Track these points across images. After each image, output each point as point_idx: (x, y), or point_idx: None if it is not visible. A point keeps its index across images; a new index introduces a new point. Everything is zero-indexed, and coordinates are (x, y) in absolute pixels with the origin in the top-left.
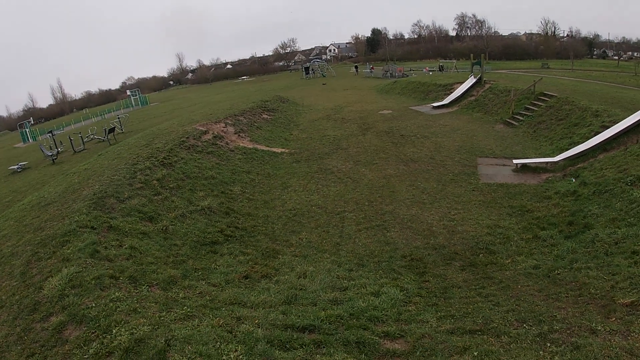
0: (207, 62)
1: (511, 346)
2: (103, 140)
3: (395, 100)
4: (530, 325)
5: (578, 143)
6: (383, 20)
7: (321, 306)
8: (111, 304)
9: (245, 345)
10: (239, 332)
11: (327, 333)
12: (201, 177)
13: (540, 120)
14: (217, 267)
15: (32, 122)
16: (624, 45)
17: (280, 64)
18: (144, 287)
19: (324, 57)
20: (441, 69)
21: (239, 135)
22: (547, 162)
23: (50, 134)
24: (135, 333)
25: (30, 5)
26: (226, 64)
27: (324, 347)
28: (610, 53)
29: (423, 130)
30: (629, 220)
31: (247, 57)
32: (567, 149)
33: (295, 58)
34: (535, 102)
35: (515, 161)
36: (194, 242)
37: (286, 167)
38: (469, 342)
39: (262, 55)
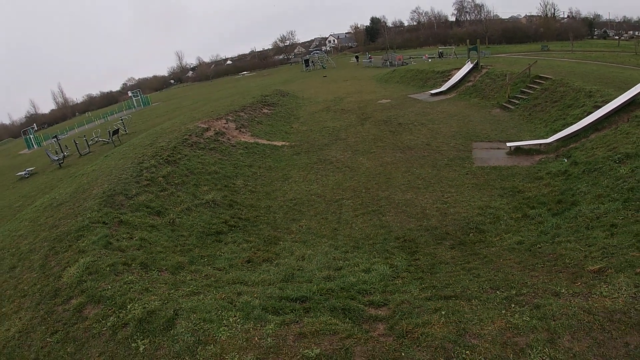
0: (206, 59)
1: (478, 307)
2: (108, 142)
3: (394, 88)
4: (502, 291)
5: (571, 124)
6: (382, 8)
7: (315, 282)
8: (125, 286)
9: (243, 312)
10: (239, 302)
11: (317, 302)
12: (205, 173)
13: (535, 103)
14: (222, 254)
15: (36, 128)
16: (625, 25)
17: (280, 57)
18: (154, 272)
19: (323, 48)
20: (441, 55)
21: (240, 130)
22: (540, 144)
23: (55, 139)
24: (147, 307)
25: (27, 11)
26: (226, 60)
27: (312, 312)
28: (611, 33)
29: (420, 117)
30: (612, 195)
31: (247, 52)
32: (560, 130)
33: (295, 51)
34: (530, 85)
35: (508, 144)
36: (200, 233)
37: (287, 159)
38: (441, 305)
39: (261, 50)
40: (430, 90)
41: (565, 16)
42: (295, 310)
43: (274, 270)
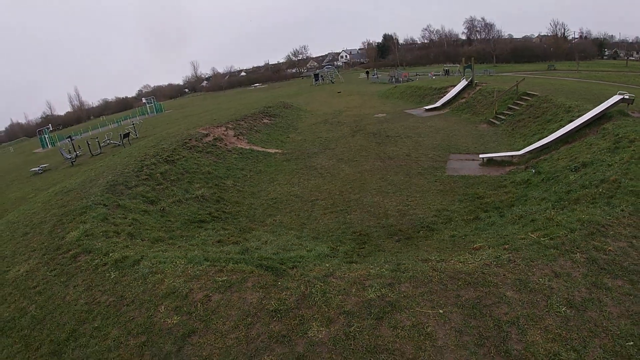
0: (221, 70)
1: (370, 269)
2: (118, 145)
3: (392, 104)
4: (392, 263)
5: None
6: (395, 25)
7: (261, 254)
8: (112, 244)
9: (188, 259)
10: (189, 255)
11: (249, 261)
12: (199, 172)
13: (520, 118)
14: (199, 236)
15: (51, 129)
16: (637, 45)
17: (293, 70)
18: (137, 240)
19: (335, 63)
20: (447, 73)
21: (237, 137)
22: (512, 156)
23: (69, 139)
24: (123, 254)
25: (46, 13)
26: (240, 71)
27: (241, 264)
28: (621, 53)
29: (409, 131)
30: (549, 198)
31: (261, 65)
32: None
33: (308, 65)
34: (517, 101)
35: (481, 155)
36: (185, 220)
37: (277, 164)
38: (338, 266)
39: (275, 63)
40: (426, 106)
41: (577, 37)
42: (227, 261)
43: (235, 248)
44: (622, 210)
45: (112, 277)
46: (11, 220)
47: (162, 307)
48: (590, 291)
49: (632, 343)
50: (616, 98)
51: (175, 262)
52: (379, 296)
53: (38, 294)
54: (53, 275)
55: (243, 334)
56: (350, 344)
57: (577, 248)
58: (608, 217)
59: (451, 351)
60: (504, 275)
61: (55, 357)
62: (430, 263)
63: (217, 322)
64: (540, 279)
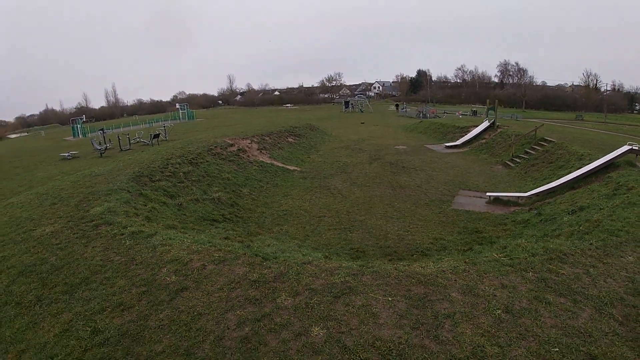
0: (256, 87)
1: (343, 264)
2: (147, 144)
3: (415, 138)
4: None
5: None
6: (429, 62)
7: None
8: (131, 222)
9: (194, 239)
10: (196, 237)
11: (246, 250)
12: (219, 177)
13: (534, 162)
14: (209, 231)
15: (84, 120)
16: None
17: (325, 96)
18: (153, 223)
19: (368, 93)
20: (474, 113)
21: (260, 151)
22: (518, 197)
23: (101, 131)
24: (139, 229)
25: (93, 16)
26: (274, 90)
27: (240, 251)
28: None
29: (425, 165)
30: (537, 234)
31: (295, 86)
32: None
33: (340, 92)
34: (535, 146)
35: (488, 194)
36: (199, 217)
37: (293, 181)
38: (325, 260)
39: (309, 86)
40: (447, 142)
41: (608, 88)
42: (227, 246)
43: (240, 245)
44: (591, 244)
45: (127, 244)
46: (40, 192)
47: (165, 269)
48: (530, 302)
49: (557, 349)
50: (624, 148)
51: (183, 240)
52: (342, 281)
53: (59, 249)
54: (75, 237)
55: (225, 294)
56: (308, 312)
57: (532, 268)
58: (573, 248)
59: (388, 329)
60: (455, 280)
61: (67, 295)
62: (395, 265)
63: (206, 284)
64: (487, 287)
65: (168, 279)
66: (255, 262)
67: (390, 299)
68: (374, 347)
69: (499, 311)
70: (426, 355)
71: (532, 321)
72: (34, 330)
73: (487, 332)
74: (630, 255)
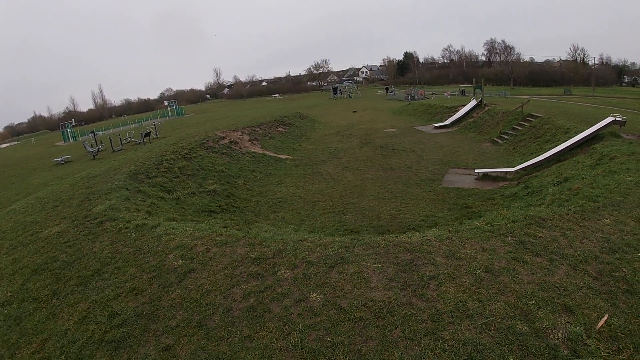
0: (243, 79)
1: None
2: (139, 143)
3: (404, 120)
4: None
5: None
6: (416, 44)
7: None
8: (133, 216)
9: (196, 227)
10: (197, 225)
11: (245, 235)
12: (213, 170)
13: (522, 138)
14: (208, 222)
15: (74, 124)
16: None
17: (313, 83)
18: (154, 217)
19: (355, 78)
20: (463, 93)
21: (252, 142)
22: (506, 172)
23: (92, 134)
24: (143, 222)
25: (76, 14)
26: (262, 81)
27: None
28: None
29: (414, 146)
30: (522, 206)
31: (283, 76)
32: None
33: (328, 79)
34: (522, 122)
35: (477, 170)
36: (197, 209)
37: (286, 169)
38: (320, 236)
39: (296, 75)
40: (436, 123)
41: (596, 62)
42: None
43: (238, 232)
44: (569, 210)
45: (132, 236)
46: (40, 197)
47: (171, 255)
48: (508, 263)
49: (533, 302)
50: (608, 120)
51: (185, 228)
52: (335, 253)
53: (68, 247)
54: (82, 235)
55: (229, 272)
56: (306, 281)
57: (511, 233)
58: (552, 214)
59: (379, 291)
60: (439, 247)
61: (81, 287)
62: (383, 236)
63: (211, 265)
64: (468, 252)
65: (175, 263)
66: (255, 242)
67: (379, 265)
68: (367, 307)
69: (479, 271)
70: (414, 311)
71: (510, 279)
72: (53, 320)
73: (468, 290)
74: (607, 219)
